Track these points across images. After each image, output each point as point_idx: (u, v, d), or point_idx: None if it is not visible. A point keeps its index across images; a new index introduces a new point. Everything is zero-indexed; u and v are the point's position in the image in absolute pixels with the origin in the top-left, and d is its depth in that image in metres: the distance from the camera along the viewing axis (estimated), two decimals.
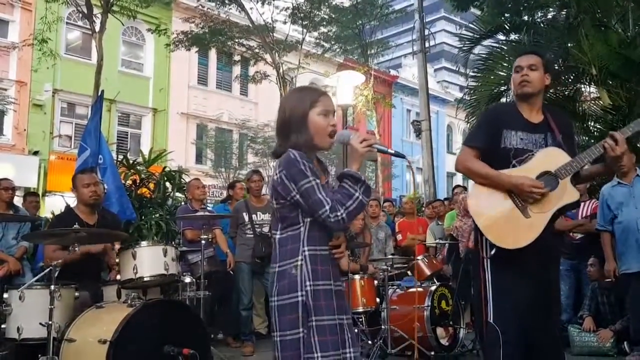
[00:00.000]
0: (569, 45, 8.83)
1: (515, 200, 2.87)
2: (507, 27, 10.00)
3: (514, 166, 2.94)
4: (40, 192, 15.78)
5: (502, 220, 2.87)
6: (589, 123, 9.15)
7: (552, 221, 2.88)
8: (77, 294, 4.02)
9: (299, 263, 2.24)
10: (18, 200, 7.75)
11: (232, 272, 6.26)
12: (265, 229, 6.26)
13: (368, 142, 2.35)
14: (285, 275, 2.25)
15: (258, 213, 6.29)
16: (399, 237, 8.13)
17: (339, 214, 2.21)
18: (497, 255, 2.85)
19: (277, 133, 2.43)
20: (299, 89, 2.55)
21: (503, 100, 9.61)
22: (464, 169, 3.05)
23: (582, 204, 6.16)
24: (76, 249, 3.78)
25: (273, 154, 2.42)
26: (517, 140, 2.98)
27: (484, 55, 10.10)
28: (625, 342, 5.41)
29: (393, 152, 2.57)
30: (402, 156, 2.60)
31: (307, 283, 2.23)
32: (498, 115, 3.11)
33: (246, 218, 6.24)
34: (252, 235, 6.17)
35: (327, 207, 2.20)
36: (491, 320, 2.84)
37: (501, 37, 10.47)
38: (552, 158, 2.91)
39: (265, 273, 6.20)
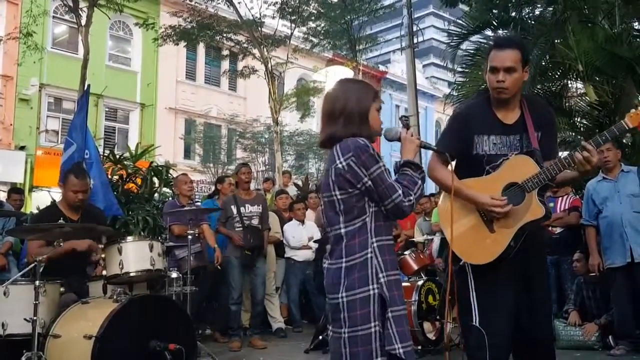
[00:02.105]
0: (556, 41, 8.88)
1: (481, 214, 2.79)
2: (495, 23, 10.05)
3: (487, 172, 2.83)
4: (26, 188, 15.68)
5: (468, 234, 2.79)
6: (576, 119, 9.22)
7: (522, 234, 2.75)
8: (62, 289, 3.99)
9: (369, 255, 2.22)
10: (3, 197, 7.70)
11: (219, 268, 6.24)
12: (254, 222, 6.25)
13: (416, 136, 2.46)
14: (355, 270, 2.22)
15: (246, 205, 6.27)
16: None
17: (411, 198, 2.24)
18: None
19: (332, 118, 2.37)
20: (357, 80, 2.55)
21: None
22: (432, 178, 2.93)
23: (561, 198, 6.23)
24: (61, 244, 3.75)
25: (326, 140, 2.37)
26: (489, 146, 2.84)
27: (471, 51, 10.14)
28: (610, 336, 5.45)
29: (437, 148, 2.68)
30: (447, 155, 2.68)
31: (380, 275, 2.21)
32: (467, 120, 2.91)
33: (234, 211, 6.23)
34: (240, 229, 6.16)
35: (400, 192, 2.22)
36: (476, 324, 2.77)
37: (489, 33, 10.51)
38: (520, 168, 2.76)
39: (255, 268, 6.21)
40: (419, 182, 2.31)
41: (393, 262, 2.28)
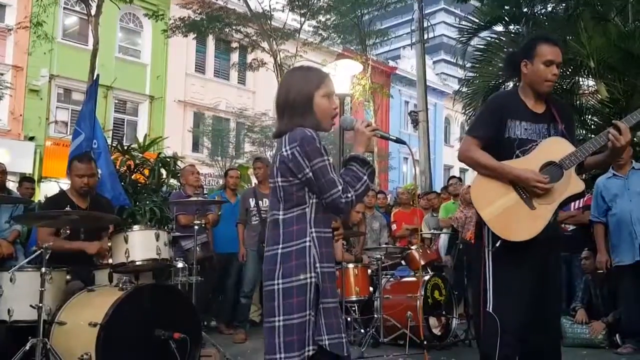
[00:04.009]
0: (568, 37, 8.79)
1: (520, 192, 2.85)
2: (506, 19, 9.97)
3: (517, 156, 2.90)
4: (35, 178, 15.75)
5: (507, 212, 2.83)
6: (587, 116, 9.15)
7: (556, 212, 2.87)
8: (68, 277, 4.00)
9: (308, 244, 2.20)
10: (13, 186, 7.75)
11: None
12: None
13: (373, 127, 2.36)
14: (292, 257, 2.19)
15: (264, 199, 6.26)
16: (394, 227, 8.14)
17: (349, 195, 2.20)
18: (500, 247, 2.83)
19: (278, 112, 2.37)
20: (303, 68, 2.47)
21: None
22: (466, 159, 3.00)
23: None
24: (67, 231, 3.75)
25: (275, 134, 2.37)
26: (521, 130, 2.93)
27: (482, 47, 10.08)
28: (617, 335, 5.41)
29: (394, 138, 2.54)
30: (403, 142, 2.57)
31: (317, 265, 2.19)
32: (502, 105, 3.02)
33: (252, 204, 6.24)
34: (257, 221, 6.16)
35: (340, 188, 2.19)
36: (490, 310, 2.82)
37: (499, 28, 10.43)
38: (556, 148, 2.88)
39: None
40: (364, 177, 2.26)
41: (329, 255, 2.26)
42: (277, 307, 2.18)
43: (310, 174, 2.20)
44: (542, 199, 2.82)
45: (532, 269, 2.84)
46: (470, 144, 2.97)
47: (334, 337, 2.19)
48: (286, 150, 2.23)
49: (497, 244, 2.82)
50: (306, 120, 2.28)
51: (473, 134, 3.02)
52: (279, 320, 2.17)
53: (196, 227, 5.25)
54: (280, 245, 2.22)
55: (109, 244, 4.20)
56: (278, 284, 2.19)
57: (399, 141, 2.57)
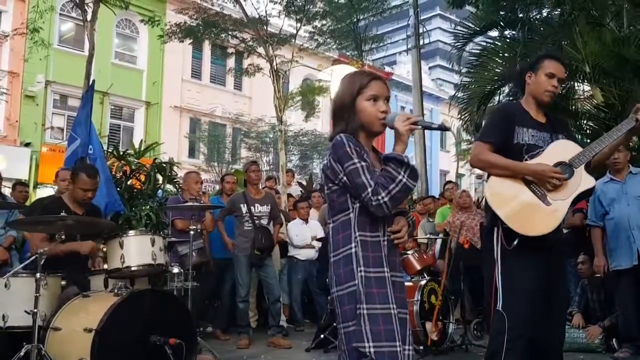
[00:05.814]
0: (563, 42, 8.82)
1: (534, 190, 2.96)
2: (502, 24, 10.00)
3: (526, 160, 3.04)
4: (31, 184, 15.70)
5: (524, 210, 2.95)
6: (582, 121, 9.16)
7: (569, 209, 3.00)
8: (63, 282, 3.98)
9: (353, 250, 2.17)
10: (8, 192, 7.71)
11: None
12: (264, 222, 6.21)
13: (410, 120, 2.25)
14: (340, 265, 2.19)
15: (256, 205, 6.23)
16: None
17: (379, 197, 2.11)
18: (515, 246, 2.91)
19: (331, 117, 2.43)
20: (352, 73, 2.48)
21: (496, 97, 9.62)
22: (480, 163, 3.13)
23: None
24: (62, 237, 3.73)
25: (329, 140, 2.38)
26: (528, 137, 3.08)
27: (477, 52, 10.10)
28: (614, 339, 5.41)
29: (436, 126, 2.40)
30: (447, 129, 2.49)
31: (360, 269, 2.15)
32: (510, 113, 3.19)
33: (244, 210, 6.18)
34: (250, 228, 6.13)
35: (369, 190, 2.13)
36: (500, 308, 2.91)
37: (495, 33, 10.46)
38: (564, 149, 3.04)
39: (265, 266, 6.16)
40: (398, 177, 2.13)
41: (377, 259, 2.18)
42: (338, 315, 2.20)
43: (345, 177, 2.19)
44: (556, 195, 2.93)
45: (540, 269, 2.92)
46: (482, 149, 3.10)
47: (380, 345, 2.07)
48: (326, 160, 2.27)
49: (516, 242, 2.89)
50: (349, 125, 2.29)
51: (484, 139, 3.14)
52: (341, 327, 2.18)
53: (192, 232, 5.22)
54: (332, 254, 2.24)
55: (104, 249, 4.19)
56: (334, 292, 2.21)
57: (442, 128, 2.42)
